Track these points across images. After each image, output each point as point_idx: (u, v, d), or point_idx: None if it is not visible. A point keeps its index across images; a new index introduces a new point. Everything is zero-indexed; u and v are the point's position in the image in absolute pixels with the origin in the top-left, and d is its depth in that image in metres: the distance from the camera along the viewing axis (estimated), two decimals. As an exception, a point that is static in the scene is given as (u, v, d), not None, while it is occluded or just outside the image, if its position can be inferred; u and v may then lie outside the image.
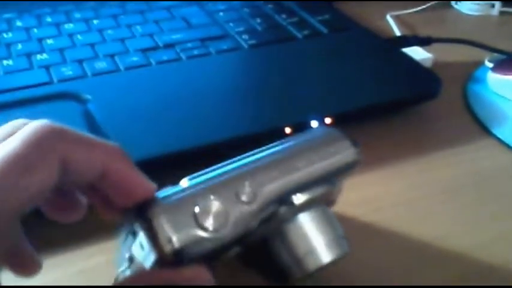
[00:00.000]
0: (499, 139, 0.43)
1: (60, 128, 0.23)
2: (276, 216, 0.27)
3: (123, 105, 0.41)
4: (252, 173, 0.27)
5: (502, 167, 0.41)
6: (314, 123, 0.39)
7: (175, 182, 0.26)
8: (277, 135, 0.38)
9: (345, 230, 0.29)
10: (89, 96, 0.41)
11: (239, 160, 0.28)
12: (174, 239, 0.24)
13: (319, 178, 0.28)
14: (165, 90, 0.43)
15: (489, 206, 0.37)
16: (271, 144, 0.29)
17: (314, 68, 0.46)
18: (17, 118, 0.38)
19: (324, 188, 0.29)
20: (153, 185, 0.25)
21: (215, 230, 0.25)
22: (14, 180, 0.21)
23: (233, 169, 0.27)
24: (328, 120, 0.40)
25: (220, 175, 0.26)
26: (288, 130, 0.38)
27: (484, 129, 0.44)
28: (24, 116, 0.39)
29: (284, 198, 0.27)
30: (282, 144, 0.29)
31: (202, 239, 0.24)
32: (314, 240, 0.28)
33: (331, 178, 0.29)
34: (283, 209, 0.28)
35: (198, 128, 0.39)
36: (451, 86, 0.47)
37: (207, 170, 0.27)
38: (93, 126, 0.39)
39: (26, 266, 0.26)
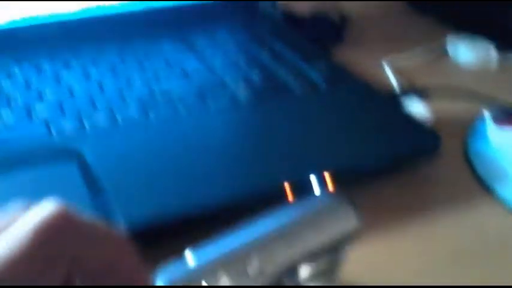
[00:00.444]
0: (501, 198, 0.43)
1: (73, 220, 0.22)
2: None
3: (121, 163, 0.41)
4: (259, 247, 0.27)
5: (504, 229, 0.40)
6: (314, 184, 0.39)
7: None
8: (277, 195, 0.39)
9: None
10: (87, 153, 0.41)
11: (244, 230, 0.28)
12: None
13: (324, 248, 0.28)
14: (162, 147, 0.43)
15: (492, 269, 0.37)
16: (274, 212, 0.29)
17: (312, 124, 0.46)
18: (16, 178, 0.39)
19: (329, 258, 0.29)
20: (151, 279, 0.25)
21: None
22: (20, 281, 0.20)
23: (239, 243, 0.27)
24: (327, 180, 0.39)
25: (226, 249, 0.26)
26: (287, 190, 0.38)
27: (486, 188, 0.44)
28: (23, 176, 0.39)
29: (290, 271, 0.27)
30: (285, 213, 0.29)
31: None
32: None
33: (336, 247, 0.29)
34: (289, 282, 0.27)
35: (196, 189, 0.38)
36: (451, 141, 0.47)
37: (212, 240, 0.27)
38: (90, 184, 0.38)
39: None
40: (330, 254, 0.29)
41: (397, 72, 0.61)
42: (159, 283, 0.25)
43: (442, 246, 0.39)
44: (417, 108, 0.50)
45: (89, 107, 0.47)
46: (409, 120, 0.47)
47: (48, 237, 0.21)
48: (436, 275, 0.37)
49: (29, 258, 0.20)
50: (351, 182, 0.41)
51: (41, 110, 0.46)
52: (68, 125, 0.45)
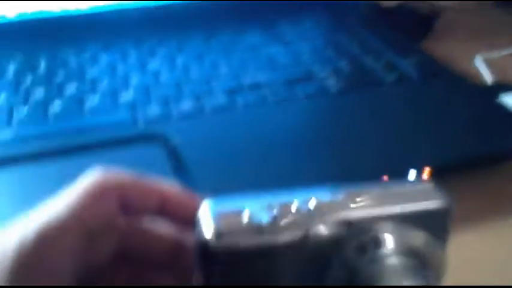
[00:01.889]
0: None
1: (115, 178, 0.24)
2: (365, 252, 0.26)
3: (208, 148, 0.40)
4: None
5: None
6: (412, 174, 0.37)
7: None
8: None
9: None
10: (175, 140, 0.40)
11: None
12: None
13: (408, 219, 0.26)
14: (248, 134, 0.42)
15: None
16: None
17: (406, 116, 0.44)
18: (103, 158, 0.38)
19: (417, 235, 0.27)
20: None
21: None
22: (68, 245, 0.21)
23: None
24: (425, 173, 0.37)
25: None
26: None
27: None
28: (110, 156, 0.39)
29: (375, 240, 0.26)
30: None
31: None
32: None
33: (423, 227, 0.27)
34: (373, 253, 0.26)
35: (277, 176, 0.37)
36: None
37: None
38: (176, 166, 0.38)
39: None
40: (418, 231, 0.27)
41: (490, 66, 0.58)
42: None
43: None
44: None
45: (175, 93, 0.46)
46: (508, 115, 0.44)
47: (94, 195, 0.23)
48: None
49: (78, 222, 0.22)
50: (448, 175, 0.39)
51: (126, 95, 0.46)
52: (154, 110, 0.44)
